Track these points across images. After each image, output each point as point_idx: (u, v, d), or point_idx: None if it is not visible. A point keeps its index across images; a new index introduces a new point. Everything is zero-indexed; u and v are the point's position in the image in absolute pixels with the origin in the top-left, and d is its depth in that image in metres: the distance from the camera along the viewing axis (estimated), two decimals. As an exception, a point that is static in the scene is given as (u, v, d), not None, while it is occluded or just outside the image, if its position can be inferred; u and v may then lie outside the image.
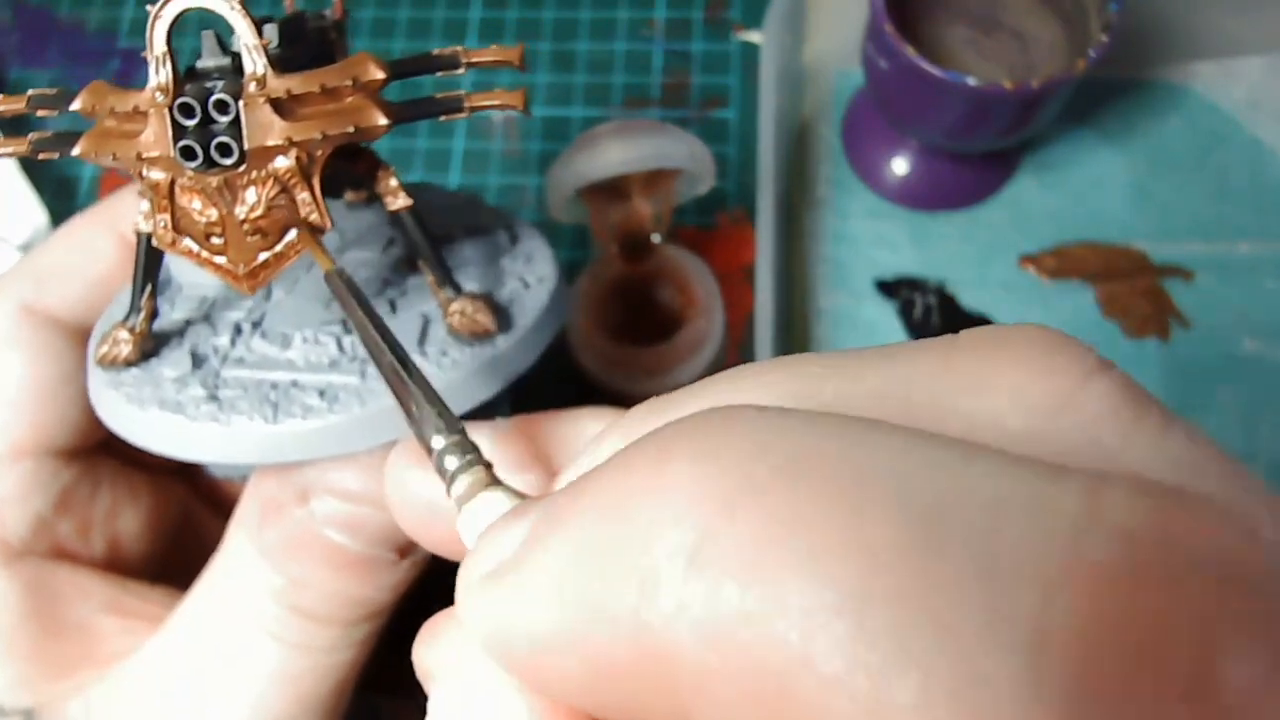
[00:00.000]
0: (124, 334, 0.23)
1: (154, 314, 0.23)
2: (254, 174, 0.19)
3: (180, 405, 0.22)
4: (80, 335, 0.25)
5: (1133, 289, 0.48)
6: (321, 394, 0.22)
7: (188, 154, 0.19)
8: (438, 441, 0.15)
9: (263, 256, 0.20)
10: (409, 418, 0.16)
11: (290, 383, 0.22)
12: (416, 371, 0.16)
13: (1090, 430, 0.12)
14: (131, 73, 0.57)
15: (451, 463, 0.15)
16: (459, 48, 0.21)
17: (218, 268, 0.20)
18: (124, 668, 0.23)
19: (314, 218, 0.19)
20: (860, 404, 0.12)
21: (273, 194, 0.19)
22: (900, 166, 0.50)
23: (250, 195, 0.19)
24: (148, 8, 0.18)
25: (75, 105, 0.20)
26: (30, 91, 0.20)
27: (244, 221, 0.19)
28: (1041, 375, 0.12)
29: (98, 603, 0.24)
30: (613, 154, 0.38)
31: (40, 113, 0.21)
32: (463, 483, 0.14)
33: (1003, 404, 0.12)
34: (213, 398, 0.22)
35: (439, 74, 0.21)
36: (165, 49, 0.18)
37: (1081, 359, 0.12)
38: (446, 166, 0.53)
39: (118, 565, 0.26)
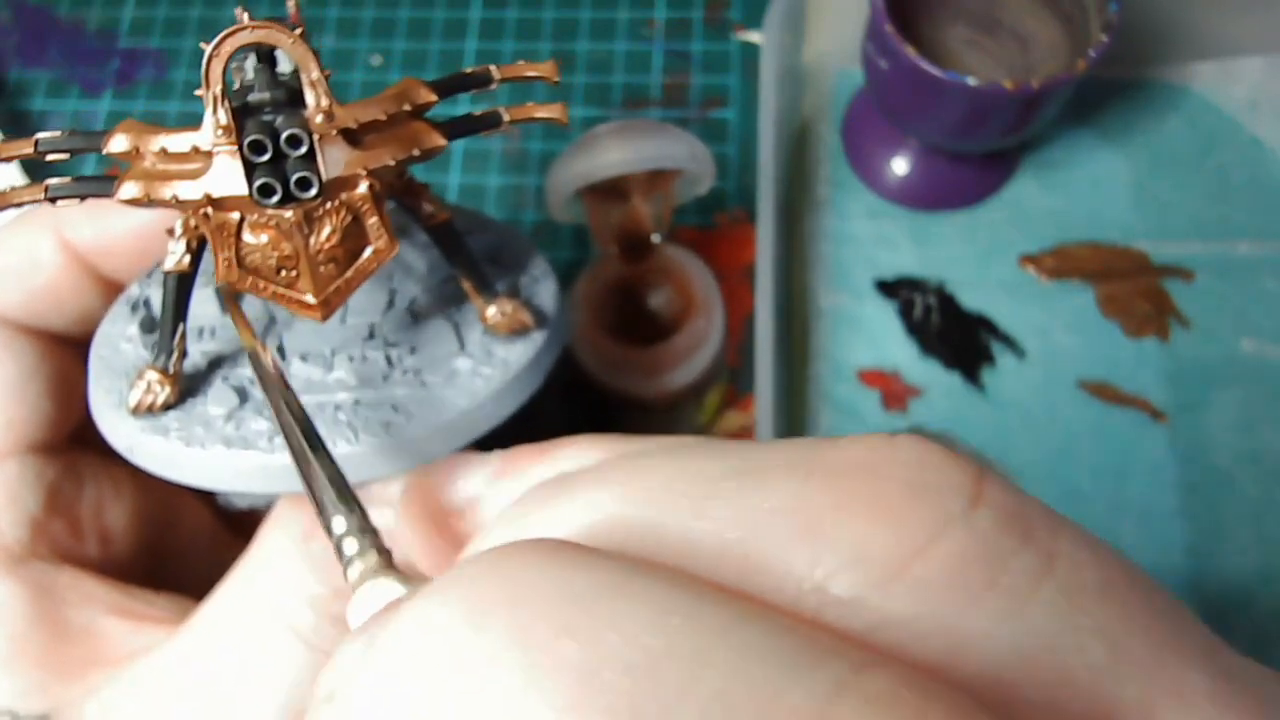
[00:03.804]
0: (156, 376, 0.22)
1: (185, 353, 0.22)
2: (328, 204, 0.19)
3: (248, 440, 0.22)
4: (32, 333, 0.25)
5: (1133, 289, 0.48)
6: (394, 408, 0.23)
7: (266, 191, 0.19)
8: (339, 524, 0.15)
9: (335, 284, 0.20)
10: (312, 498, 0.16)
11: (353, 402, 0.23)
12: (324, 451, 0.17)
13: (929, 600, 0.10)
14: (132, 73, 0.57)
15: (350, 546, 0.15)
16: (490, 66, 0.21)
17: (289, 300, 0.20)
18: (142, 666, 0.23)
19: (382, 242, 0.20)
20: (701, 543, 0.11)
21: (346, 222, 0.19)
22: (900, 166, 0.50)
23: (326, 226, 0.19)
24: (202, 45, 0.18)
25: (115, 148, 0.19)
26: (38, 136, 0.20)
27: (318, 252, 0.19)
28: (887, 525, 0.11)
29: (102, 605, 0.24)
30: (613, 154, 0.38)
31: (50, 158, 0.20)
32: (356, 568, 0.14)
33: (835, 561, 0.11)
34: None
35: (474, 91, 0.21)
36: (223, 86, 0.18)
37: (945, 501, 0.11)
38: (446, 167, 0.53)
39: (111, 563, 0.26)
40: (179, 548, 0.29)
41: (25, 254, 0.25)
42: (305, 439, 0.17)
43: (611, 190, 0.42)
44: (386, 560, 0.15)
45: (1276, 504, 0.44)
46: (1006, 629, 0.10)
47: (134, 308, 0.25)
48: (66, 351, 0.26)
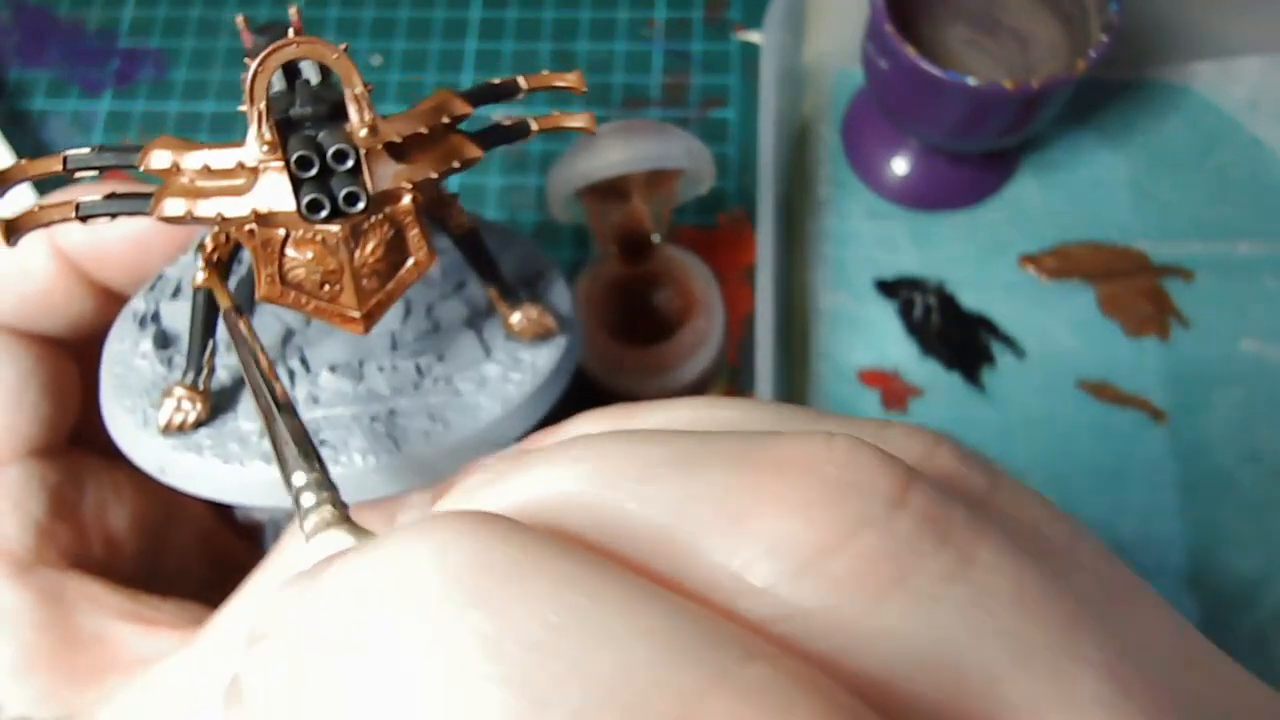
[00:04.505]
0: (185, 393, 0.22)
1: (214, 369, 0.22)
2: (373, 219, 0.19)
3: None
4: (27, 338, 0.25)
5: (1133, 289, 0.48)
6: (431, 417, 0.23)
7: (314, 207, 0.18)
8: (298, 479, 0.16)
9: (377, 296, 0.20)
10: (277, 453, 0.17)
11: (389, 412, 0.23)
12: (291, 409, 0.17)
13: (835, 592, 0.11)
14: (132, 73, 0.57)
15: (307, 500, 0.15)
16: (518, 77, 0.22)
17: (331, 314, 0.20)
18: (157, 672, 0.23)
19: (423, 253, 0.20)
20: (635, 525, 0.12)
21: (389, 236, 0.20)
22: (900, 166, 0.50)
23: (371, 240, 0.19)
24: (246, 60, 0.18)
25: (155, 164, 0.19)
26: (67, 153, 0.19)
27: (362, 266, 0.19)
28: (805, 520, 0.11)
29: (112, 611, 0.24)
30: (613, 154, 0.38)
31: (78, 175, 0.19)
32: (311, 520, 0.15)
33: (752, 551, 0.11)
34: (321, 442, 0.22)
35: (501, 102, 0.22)
36: (267, 102, 0.18)
37: (866, 501, 0.11)
38: (446, 166, 0.53)
39: (115, 567, 0.26)
40: (177, 547, 0.29)
41: (17, 259, 0.25)
42: (271, 397, 0.17)
43: (611, 190, 0.42)
44: (341, 514, 0.15)
45: (1276, 504, 0.44)
46: (908, 628, 0.11)
47: (142, 323, 0.24)
48: (61, 354, 0.26)
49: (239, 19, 0.21)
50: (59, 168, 0.19)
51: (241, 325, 0.19)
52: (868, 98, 0.51)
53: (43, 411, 0.25)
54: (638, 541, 0.12)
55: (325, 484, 0.16)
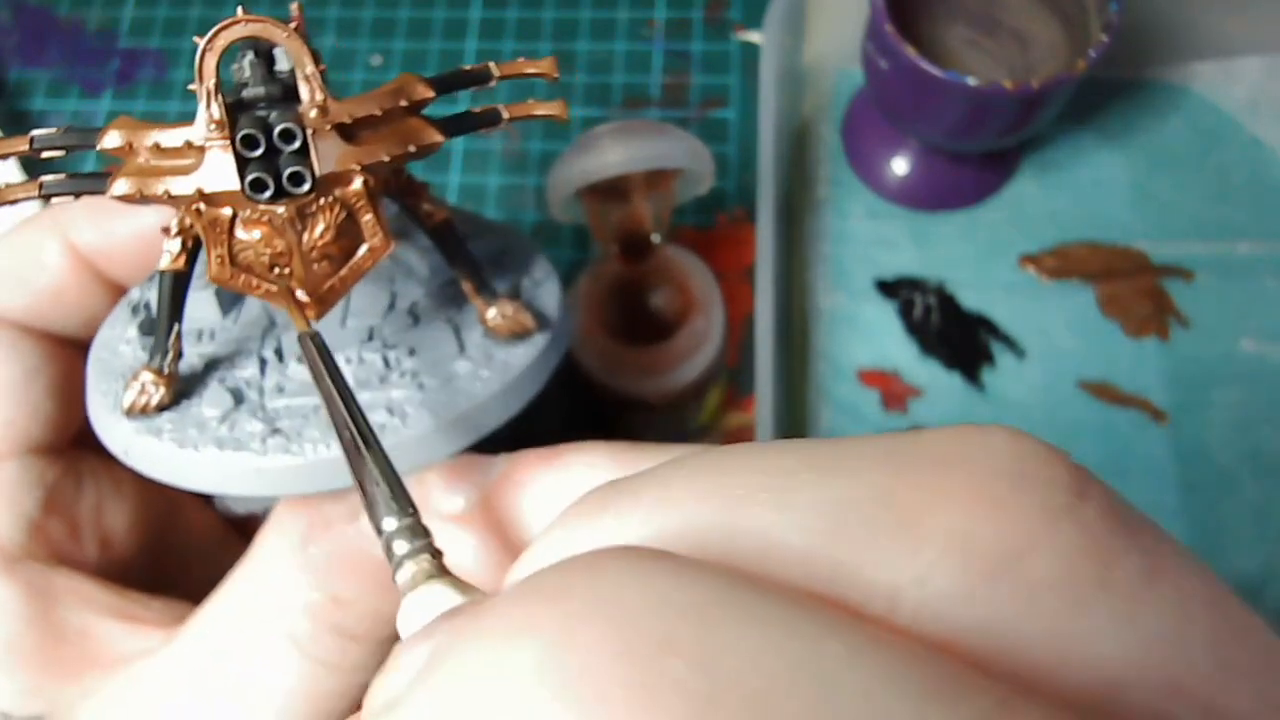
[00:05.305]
0: (150, 377, 0.22)
1: (180, 354, 0.22)
2: (322, 201, 0.19)
3: (241, 442, 0.22)
4: (36, 334, 0.25)
5: (1133, 289, 0.48)
6: (389, 410, 0.22)
7: (258, 186, 0.18)
8: (389, 523, 0.15)
9: (329, 282, 0.20)
10: (363, 493, 0.15)
11: None
12: (378, 447, 0.16)
13: (1038, 597, 0.10)
14: (132, 73, 0.57)
15: (400, 547, 0.14)
16: (489, 63, 0.21)
17: (281, 297, 0.20)
18: (137, 669, 0.23)
19: (377, 239, 0.20)
20: (781, 542, 0.10)
21: (340, 219, 0.19)
22: (900, 166, 0.50)
23: (319, 222, 0.19)
24: (195, 39, 0.18)
25: (109, 144, 0.19)
26: (34, 133, 0.19)
27: (312, 249, 0.19)
28: (992, 517, 0.10)
29: (98, 607, 0.24)
30: (613, 154, 0.38)
31: (45, 155, 0.20)
32: (407, 570, 0.14)
33: (936, 552, 0.10)
34: (275, 430, 0.22)
35: (474, 89, 0.21)
36: (216, 80, 0.18)
37: (1051, 491, 0.10)
38: (446, 167, 0.53)
39: (111, 566, 0.26)
40: (180, 550, 0.29)
41: (30, 256, 0.25)
42: (357, 432, 0.16)
43: (611, 190, 0.42)
44: (439, 564, 0.14)
45: (1276, 503, 0.44)
46: (1117, 634, 0.10)
47: (134, 310, 0.24)
48: (70, 353, 0.26)
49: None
50: (25, 147, 0.19)
51: (314, 351, 0.18)
52: (868, 98, 0.51)
53: (46, 410, 0.25)
54: (787, 559, 0.10)
55: (419, 530, 0.14)
